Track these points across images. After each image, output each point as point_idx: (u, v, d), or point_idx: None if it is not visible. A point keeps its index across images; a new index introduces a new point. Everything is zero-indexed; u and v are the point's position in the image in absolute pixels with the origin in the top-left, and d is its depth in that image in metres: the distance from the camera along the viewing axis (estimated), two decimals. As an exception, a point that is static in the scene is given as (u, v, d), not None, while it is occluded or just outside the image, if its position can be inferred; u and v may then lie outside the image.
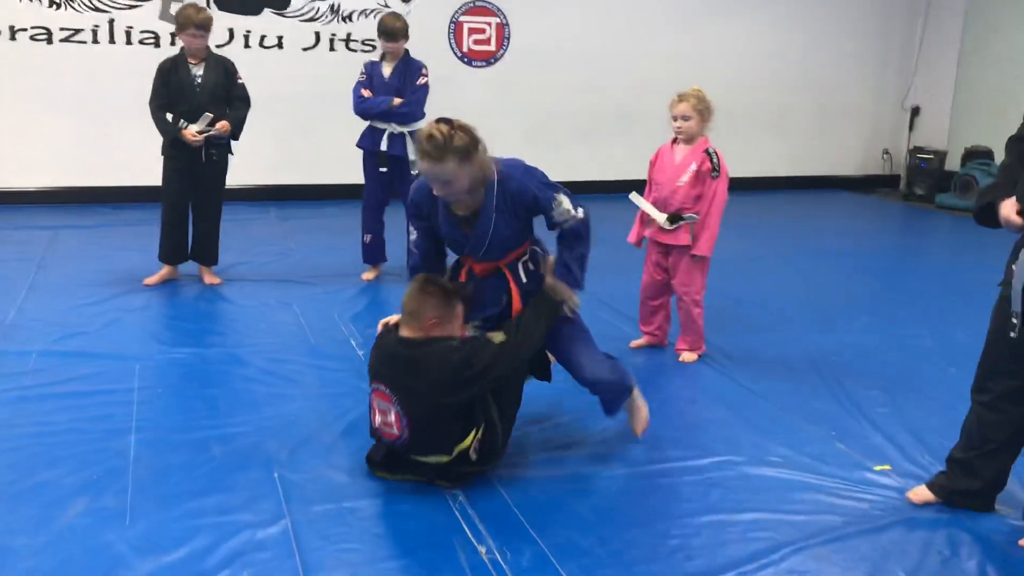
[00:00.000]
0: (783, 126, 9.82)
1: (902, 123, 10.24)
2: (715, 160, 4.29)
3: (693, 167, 4.29)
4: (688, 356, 4.43)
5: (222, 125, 5.16)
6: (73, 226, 6.87)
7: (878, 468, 3.36)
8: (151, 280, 5.39)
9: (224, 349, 4.38)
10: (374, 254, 5.78)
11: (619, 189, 8.80)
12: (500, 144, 9.30)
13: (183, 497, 2.96)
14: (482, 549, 2.72)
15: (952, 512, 3.03)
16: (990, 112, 9.42)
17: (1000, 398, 2.87)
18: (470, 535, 2.80)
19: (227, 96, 5.26)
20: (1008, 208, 2.73)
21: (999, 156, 9.10)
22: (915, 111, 10.12)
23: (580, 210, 3.20)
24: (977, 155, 9.31)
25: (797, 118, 9.87)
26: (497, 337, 3.02)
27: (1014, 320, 2.68)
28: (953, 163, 9.54)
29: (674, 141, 4.40)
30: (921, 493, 3.11)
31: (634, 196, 4.51)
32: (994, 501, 3.05)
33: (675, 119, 4.26)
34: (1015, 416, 2.87)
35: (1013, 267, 2.71)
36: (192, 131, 5.10)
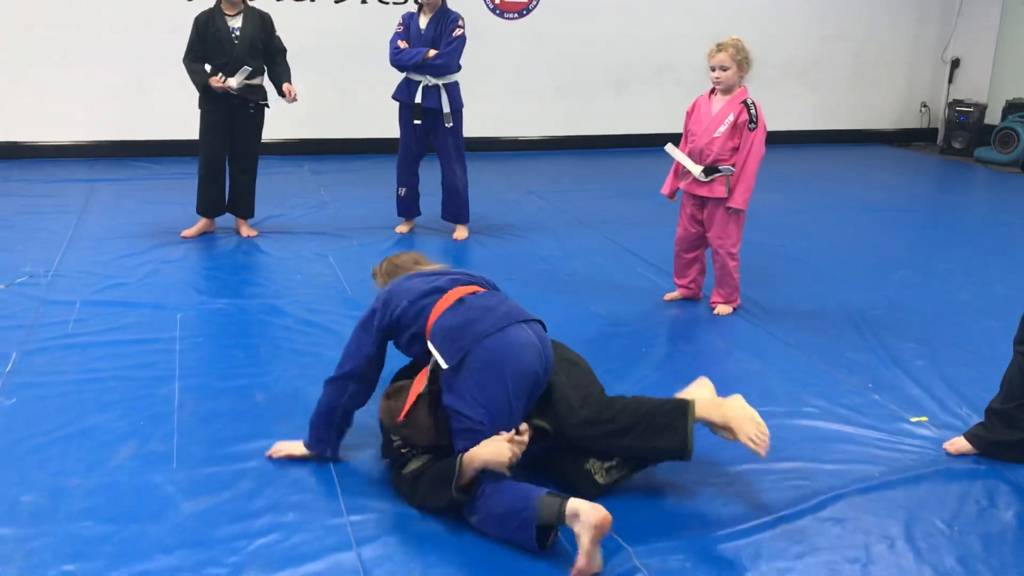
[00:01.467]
0: (817, 78, 9.67)
1: (941, 75, 10.04)
2: (753, 112, 4.25)
3: (730, 118, 4.25)
4: (723, 309, 4.43)
5: (289, 88, 5.22)
6: (111, 179, 6.94)
7: (915, 419, 3.36)
8: (189, 232, 5.46)
9: (262, 300, 4.43)
10: (408, 207, 5.80)
11: (651, 142, 8.79)
12: (532, 97, 9.33)
13: (227, 442, 3.02)
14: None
15: (989, 463, 3.04)
16: (1032, 64, 9.24)
17: (1043, 350, 2.85)
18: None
19: (265, 49, 5.27)
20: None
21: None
22: (955, 63, 9.92)
23: None
24: (1018, 108, 9.13)
25: (832, 70, 9.71)
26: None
27: (1059, 270, 2.65)
28: (993, 116, 9.36)
29: (712, 92, 4.35)
30: (958, 444, 3.12)
31: (669, 147, 4.48)
32: (1032, 453, 3.05)
33: (713, 69, 4.22)
34: (1057, 367, 2.86)
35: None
36: (231, 84, 5.11)
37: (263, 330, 4.06)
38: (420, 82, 5.43)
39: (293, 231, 5.69)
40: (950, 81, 9.98)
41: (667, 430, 2.68)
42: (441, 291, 2.86)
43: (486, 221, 6.01)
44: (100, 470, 2.82)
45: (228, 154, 5.41)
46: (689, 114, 4.46)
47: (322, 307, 4.34)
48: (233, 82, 5.13)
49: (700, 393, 2.84)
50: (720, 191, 4.32)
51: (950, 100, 9.79)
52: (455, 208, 5.73)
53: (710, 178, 4.32)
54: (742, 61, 4.18)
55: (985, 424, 3.09)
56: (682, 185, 4.47)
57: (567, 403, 2.77)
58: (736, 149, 4.27)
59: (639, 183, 7.40)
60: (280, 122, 6.64)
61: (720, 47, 4.19)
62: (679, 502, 2.76)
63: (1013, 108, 9.15)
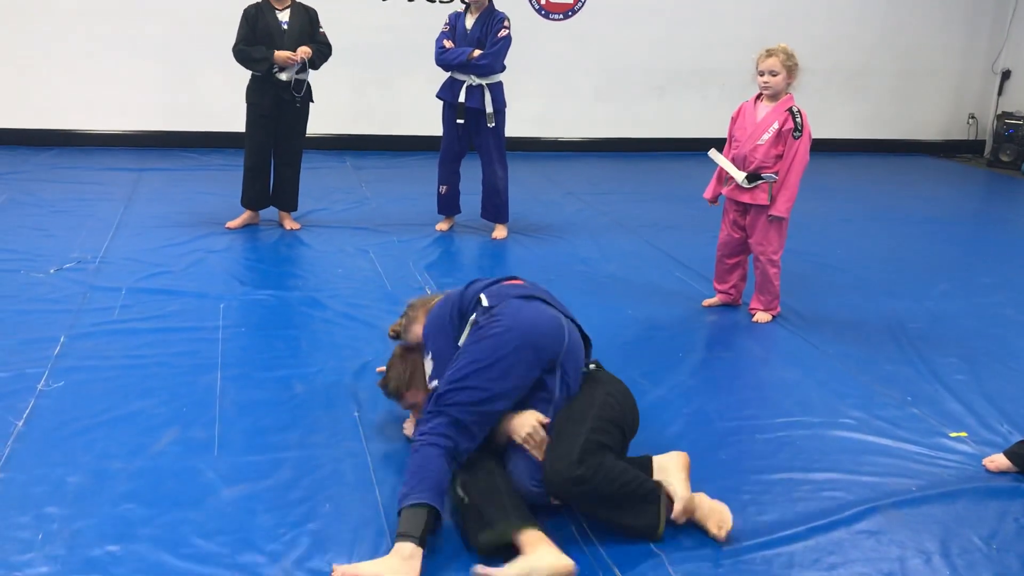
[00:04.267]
0: (864, 87, 9.57)
1: (990, 87, 9.90)
2: (798, 120, 4.23)
3: (775, 126, 4.23)
4: (762, 316, 4.41)
5: (304, 50, 5.21)
6: (157, 169, 7.05)
7: (954, 435, 3.33)
8: (233, 223, 5.53)
9: (304, 292, 4.49)
10: (449, 205, 5.84)
11: (693, 147, 8.77)
12: (574, 99, 9.32)
13: (268, 431, 3.07)
14: (553, 499, 2.77)
15: (1030, 482, 3.01)
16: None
17: (1088, 368, 2.82)
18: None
19: (310, 43, 5.32)
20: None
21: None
22: (1005, 75, 9.77)
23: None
24: (1068, 122, 8.99)
25: (879, 79, 9.61)
26: None
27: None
28: (1043, 130, 9.22)
29: (758, 97, 4.34)
30: (998, 461, 3.08)
31: (713, 153, 4.47)
32: (1074, 472, 3.01)
33: (762, 74, 4.20)
34: (1102, 387, 2.82)
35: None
36: (283, 76, 5.16)
37: (304, 322, 4.11)
38: (464, 82, 5.46)
39: (335, 225, 5.75)
40: (1000, 93, 9.84)
41: (639, 511, 2.59)
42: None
43: (525, 221, 6.03)
44: (143, 454, 2.88)
45: (273, 148, 5.47)
46: (734, 120, 4.44)
47: (362, 302, 4.38)
48: (284, 75, 5.20)
49: (672, 474, 2.69)
50: (762, 198, 4.30)
51: (999, 112, 9.65)
52: (495, 207, 5.76)
53: (753, 185, 4.30)
54: (791, 67, 4.17)
55: (1026, 442, 3.05)
56: (725, 191, 4.46)
57: (568, 445, 2.59)
58: (780, 156, 4.25)
59: (680, 187, 7.38)
60: (324, 117, 6.69)
61: (770, 52, 4.17)
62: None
63: (1063, 122, 9.01)
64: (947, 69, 9.83)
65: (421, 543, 2.36)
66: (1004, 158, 9.35)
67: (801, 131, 4.23)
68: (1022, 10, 9.54)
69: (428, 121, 6.98)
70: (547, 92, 8.49)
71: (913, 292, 4.99)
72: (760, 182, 4.29)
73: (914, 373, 3.87)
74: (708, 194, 4.56)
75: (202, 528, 2.53)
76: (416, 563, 2.34)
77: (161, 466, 2.82)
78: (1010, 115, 9.42)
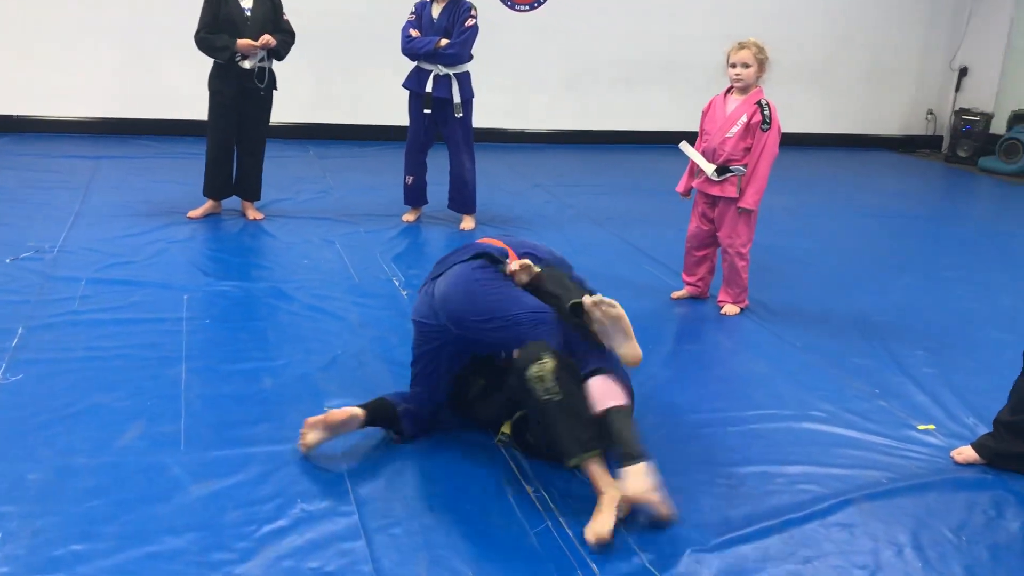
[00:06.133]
0: (826, 82, 9.66)
1: (948, 83, 10.04)
2: (767, 112, 4.24)
3: (744, 119, 4.24)
4: (730, 309, 4.42)
5: (266, 39, 5.10)
6: (116, 156, 6.91)
7: (922, 427, 3.36)
8: (195, 213, 5.43)
9: (269, 283, 4.41)
10: (415, 196, 5.78)
11: (660, 140, 8.79)
12: (541, 90, 9.30)
13: (235, 426, 3.01)
14: (529, 488, 2.75)
15: (996, 473, 3.03)
16: (1041, 75, 9.24)
17: (1055, 362, 2.85)
18: (517, 473, 2.83)
19: (274, 31, 5.23)
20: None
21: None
22: (963, 71, 9.91)
23: None
24: (1022, 118, 9.13)
25: (840, 75, 9.70)
26: None
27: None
28: (999, 126, 9.38)
29: (728, 91, 4.34)
30: (965, 453, 3.11)
31: (684, 146, 4.47)
32: (1040, 464, 3.04)
33: (733, 66, 4.20)
34: (1069, 380, 2.86)
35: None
36: (245, 65, 5.08)
37: (270, 314, 4.04)
38: (431, 71, 5.41)
39: (299, 216, 5.67)
40: (957, 89, 9.98)
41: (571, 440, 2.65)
42: None
43: (492, 213, 6.00)
44: (107, 450, 2.80)
45: (236, 136, 5.37)
46: (704, 113, 4.45)
47: (329, 293, 4.32)
48: (247, 63, 5.11)
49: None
50: (731, 191, 4.31)
51: (956, 108, 9.79)
52: (462, 198, 5.71)
53: (722, 178, 4.31)
54: (763, 61, 4.18)
55: (993, 435, 3.08)
56: (695, 183, 4.46)
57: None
58: (749, 149, 4.26)
59: (647, 180, 7.39)
60: (286, 106, 6.60)
61: (742, 45, 4.17)
62: (686, 503, 2.74)
63: (1019, 119, 9.16)
64: (907, 66, 9.95)
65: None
66: (961, 153, 9.49)
67: (770, 124, 4.24)
68: (979, 8, 9.68)
69: (393, 110, 6.92)
70: (513, 83, 8.45)
71: (878, 285, 5.04)
72: (729, 175, 4.30)
73: (881, 366, 3.90)
74: (680, 187, 4.55)
75: (170, 525, 2.46)
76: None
77: (126, 462, 2.74)
78: (967, 111, 9.56)
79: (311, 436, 2.85)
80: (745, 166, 4.27)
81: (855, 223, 6.55)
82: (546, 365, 2.64)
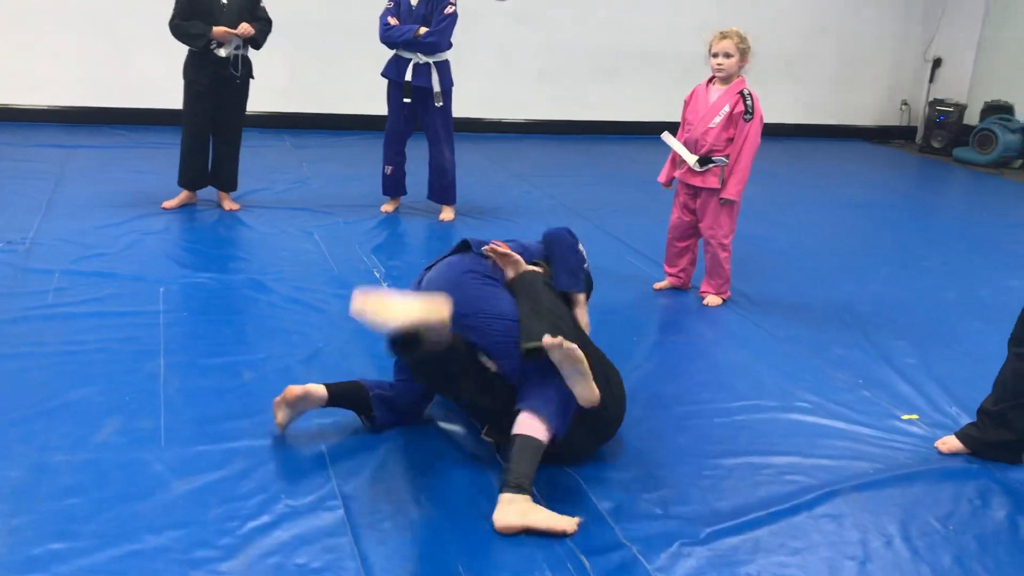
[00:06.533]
0: (801, 73, 9.68)
1: (922, 74, 10.10)
2: (749, 102, 4.23)
3: (726, 109, 4.23)
4: (713, 300, 4.41)
5: (244, 28, 5.02)
6: (88, 146, 6.78)
7: (906, 417, 3.37)
8: (170, 204, 5.34)
9: (247, 275, 4.35)
10: (394, 186, 5.72)
11: (637, 130, 8.78)
12: (518, 80, 9.23)
13: (216, 420, 2.95)
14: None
15: (981, 463, 3.04)
16: (1013, 67, 9.31)
17: (1040, 352, 2.86)
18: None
19: (251, 18, 5.15)
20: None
21: (1020, 111, 9.05)
22: (937, 63, 9.97)
23: None
24: (997, 109, 9.22)
25: (815, 65, 9.73)
26: None
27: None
28: (972, 117, 9.44)
29: (710, 80, 4.32)
30: (950, 443, 3.12)
31: (666, 136, 4.45)
32: (1022, 453, 3.05)
33: (715, 56, 4.18)
34: (1054, 370, 2.87)
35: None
36: (221, 53, 5.00)
37: (249, 306, 3.98)
38: (410, 60, 5.35)
39: (276, 206, 5.59)
40: (931, 80, 10.04)
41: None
42: None
43: (472, 203, 5.95)
44: (85, 446, 2.74)
45: (212, 125, 5.29)
46: (687, 103, 4.43)
47: (308, 285, 4.26)
48: (223, 52, 5.02)
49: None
50: (713, 181, 4.30)
51: (931, 99, 9.85)
52: (442, 189, 5.66)
53: (704, 168, 4.29)
54: (744, 50, 4.16)
55: (977, 424, 3.09)
56: (677, 174, 4.44)
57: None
58: (731, 140, 4.25)
59: (626, 171, 7.37)
60: (261, 95, 6.52)
61: (724, 35, 4.16)
62: (675, 495, 2.73)
63: (992, 110, 9.23)
64: (881, 56, 10.00)
65: None
66: (935, 144, 9.55)
67: (752, 114, 4.23)
68: (954, 0, 9.73)
69: (371, 100, 6.84)
70: (491, 72, 8.39)
71: (858, 276, 5.06)
72: (711, 165, 4.28)
73: (864, 356, 3.91)
74: (662, 178, 4.53)
75: (151, 523, 2.41)
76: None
77: (105, 458, 2.69)
78: (941, 102, 9.62)
79: (279, 415, 2.87)
80: (727, 156, 4.25)
81: (832, 214, 6.57)
82: None
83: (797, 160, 8.61)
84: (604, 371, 2.90)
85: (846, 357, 3.88)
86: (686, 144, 4.35)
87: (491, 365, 2.80)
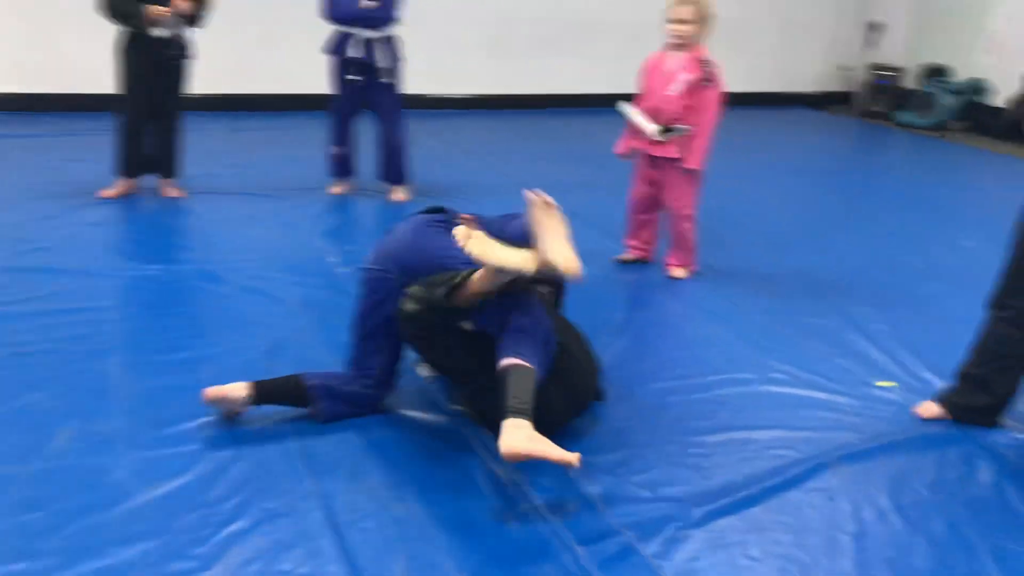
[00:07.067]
0: (741, 40, 9.64)
1: (861, 39, 10.15)
2: (710, 70, 4.16)
3: (685, 76, 4.15)
4: (678, 272, 4.35)
5: (178, 5, 4.75)
6: (15, 135, 6.46)
7: (882, 384, 3.35)
8: (108, 193, 5.10)
9: (197, 265, 4.16)
10: (342, 167, 5.55)
11: (583, 103, 8.67)
12: (460, 54, 9.03)
13: (178, 421, 2.79)
14: (499, 471, 2.63)
15: (961, 427, 3.03)
16: (948, 30, 9.41)
17: (1022, 315, 2.84)
18: (483, 455, 2.70)
19: (187, -4, 4.91)
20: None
21: (957, 73, 9.16)
22: (875, 27, 10.03)
23: None
24: (934, 73, 9.32)
25: (755, 33, 9.71)
26: None
27: (1048, 236, 2.63)
28: (910, 81, 9.54)
29: (669, 48, 4.24)
30: (929, 408, 3.11)
31: (624, 106, 4.36)
32: (1001, 417, 3.05)
33: (673, 22, 4.09)
34: (1035, 332, 2.86)
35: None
36: (159, 12, 4.74)
37: (203, 299, 3.80)
38: (357, 35, 5.17)
39: (220, 192, 5.38)
40: (870, 45, 10.10)
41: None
42: None
43: (424, 182, 5.79)
44: (40, 455, 2.57)
45: (151, 110, 5.04)
46: (644, 72, 4.34)
47: (263, 274, 4.09)
48: (159, 32, 4.79)
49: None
50: (674, 152, 4.22)
51: (870, 64, 9.92)
52: (394, 168, 5.50)
53: (665, 138, 4.21)
54: (704, 18, 4.08)
55: (957, 389, 3.08)
56: (637, 145, 4.36)
57: None
58: (692, 108, 4.18)
59: (579, 144, 7.27)
60: (196, 76, 6.27)
61: (682, 1, 4.07)
62: (663, 476, 2.66)
63: (929, 73, 9.33)
64: (821, 23, 10.03)
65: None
66: (876, 108, 9.62)
67: (713, 81, 4.16)
68: (890, -37, 9.80)
69: (311, 78, 6.62)
70: (432, 47, 8.17)
71: (816, 242, 5.05)
72: (672, 135, 4.20)
73: (834, 324, 3.88)
74: (621, 148, 4.44)
75: (118, 535, 2.26)
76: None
77: (63, 467, 2.52)
78: (881, 67, 9.69)
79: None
80: (689, 126, 4.18)
81: (782, 181, 6.57)
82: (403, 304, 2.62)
83: (741, 128, 8.56)
84: (568, 330, 2.87)
85: (816, 325, 3.86)
86: (645, 113, 4.26)
87: (467, 325, 2.69)
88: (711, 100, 4.16)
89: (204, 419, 2.80)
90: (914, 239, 5.24)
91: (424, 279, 2.63)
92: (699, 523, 2.45)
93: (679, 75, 4.16)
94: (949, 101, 8.93)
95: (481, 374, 2.68)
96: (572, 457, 2.36)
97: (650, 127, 4.22)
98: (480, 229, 2.77)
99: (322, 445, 2.72)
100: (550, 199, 2.56)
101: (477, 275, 2.54)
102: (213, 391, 2.74)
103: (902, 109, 9.34)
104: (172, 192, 5.20)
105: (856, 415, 3.10)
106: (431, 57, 8.18)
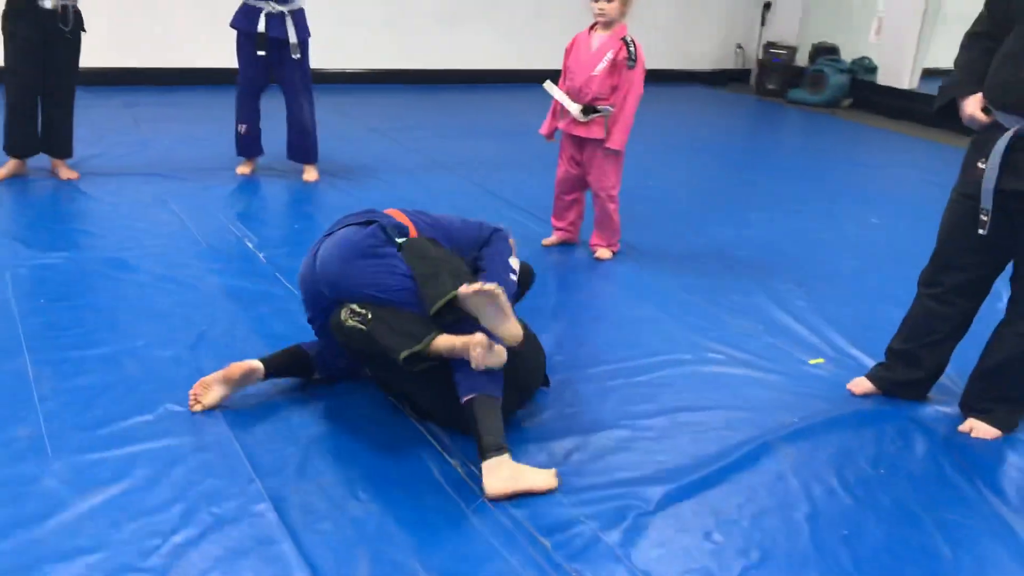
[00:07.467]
0: (638, 19, 9.66)
1: (754, 18, 10.38)
2: (632, 49, 4.14)
3: (609, 56, 4.13)
4: (604, 253, 4.35)
5: None
6: None
7: (813, 361, 3.42)
8: (-4, 175, 4.76)
9: (105, 253, 3.92)
10: (250, 146, 5.33)
11: (484, 79, 8.58)
12: (359, 28, 8.79)
13: (107, 422, 2.63)
14: (455, 462, 2.57)
15: (893, 402, 3.12)
16: (836, 9, 9.71)
17: (951, 291, 2.94)
18: (438, 448, 2.64)
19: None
20: (972, 105, 2.74)
21: (845, 52, 9.48)
22: (767, 6, 10.26)
23: None
24: (825, 51, 9.61)
25: (653, 11, 9.78)
26: None
27: (983, 217, 2.72)
28: (802, 59, 9.81)
29: (592, 27, 4.20)
30: (861, 384, 3.19)
31: (548, 85, 4.31)
32: (929, 391, 3.16)
33: (597, 1, 4.05)
34: (964, 308, 2.96)
35: (980, 165, 2.72)
36: (46, 4, 4.44)
37: (115, 288, 3.58)
38: (262, 9, 4.95)
39: (119, 173, 5.09)
40: (763, 24, 10.33)
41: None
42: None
43: (333, 161, 5.63)
44: (-42, 466, 2.37)
45: (41, 85, 4.72)
46: (568, 51, 4.30)
47: (177, 260, 3.89)
48: (48, 3, 4.47)
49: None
50: (598, 132, 4.20)
51: (764, 42, 10.15)
52: (303, 147, 5.32)
53: (589, 118, 4.19)
54: (629, -4, 4.06)
55: (887, 365, 3.17)
56: (561, 125, 4.32)
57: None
58: (616, 88, 4.16)
59: (483, 122, 7.19)
60: (84, 49, 5.91)
61: (605, -20, 4.04)
62: (617, 462, 2.64)
63: (820, 52, 9.62)
64: (717, 1, 10.19)
65: None
66: (771, 86, 9.86)
67: (635, 61, 4.15)
68: (782, -57, 10.02)
69: (209, 52, 6.37)
70: (330, 20, 7.92)
71: (731, 220, 5.13)
72: (596, 115, 4.18)
73: (758, 302, 3.95)
74: (544, 130, 4.40)
75: (56, 550, 2.10)
76: None
77: (-15, 479, 2.33)
78: (774, 45, 9.93)
79: (211, 396, 2.72)
80: (612, 105, 4.17)
81: (689, 159, 6.66)
82: (340, 311, 2.60)
83: (641, 107, 8.65)
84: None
85: (742, 304, 3.91)
86: (569, 93, 4.22)
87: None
88: (634, 80, 4.15)
89: (137, 419, 2.65)
90: (822, 215, 5.38)
91: (377, 311, 2.58)
92: (658, 508, 2.44)
93: (602, 54, 4.13)
94: (840, 79, 9.22)
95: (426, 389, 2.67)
96: (553, 481, 2.44)
97: (573, 107, 4.19)
98: (422, 240, 2.72)
99: (263, 444, 2.60)
100: (487, 286, 2.48)
101: (442, 345, 2.51)
102: (241, 366, 2.74)
103: (795, 87, 9.59)
104: (66, 173, 4.90)
105: (792, 393, 3.16)
106: (328, 32, 7.93)
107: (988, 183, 2.68)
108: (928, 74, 9.03)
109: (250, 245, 4.15)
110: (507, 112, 7.42)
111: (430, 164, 5.82)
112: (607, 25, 4.15)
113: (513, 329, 2.55)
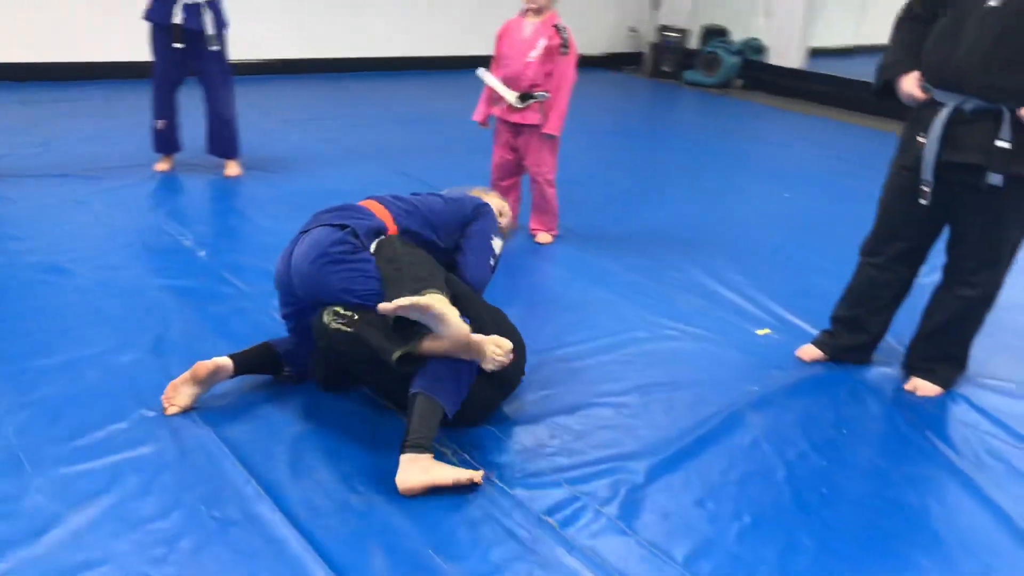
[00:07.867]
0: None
1: (648, 2, 10.59)
2: (564, 36, 4.21)
3: (543, 42, 4.19)
4: (544, 237, 4.42)
5: None
6: None
7: (760, 332, 3.57)
8: (-101, 180, 4.49)
9: (35, 257, 3.75)
10: (167, 142, 5.16)
11: (389, 66, 8.51)
12: (257, 16, 8.59)
13: (82, 432, 2.54)
14: (447, 451, 2.59)
15: (840, 366, 3.31)
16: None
17: (893, 260, 3.12)
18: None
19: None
20: (910, 83, 2.91)
21: (735, 34, 9.79)
22: (659, -11, 10.50)
23: None
24: (714, 33, 9.90)
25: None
26: None
27: (925, 188, 2.90)
28: (693, 42, 10.08)
29: (523, 14, 4.25)
30: (809, 351, 3.36)
31: (482, 72, 4.34)
32: (872, 354, 3.35)
33: (528, -13, 4.11)
34: (904, 275, 3.15)
35: (920, 139, 2.90)
36: None
37: (56, 295, 3.43)
38: (177, 0, 4.80)
39: (30, 174, 4.86)
40: (655, 8, 10.56)
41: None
42: None
43: (252, 155, 5.48)
44: (-66, 489, 2.26)
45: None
46: (500, 37, 4.33)
47: (115, 262, 3.76)
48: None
49: None
50: (535, 118, 4.26)
51: (657, 25, 10.37)
52: (224, 141, 5.18)
53: (525, 104, 4.24)
54: (564, -17, 4.11)
55: (832, 332, 3.34)
56: (496, 112, 4.35)
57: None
58: (550, 74, 4.22)
59: (403, 110, 7.14)
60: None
61: (537, -33, 4.09)
62: (602, 439, 2.72)
63: (710, 34, 9.90)
64: (608, -15, 10.37)
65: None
66: (666, 68, 10.10)
67: (568, 47, 4.22)
68: (670, -72, 10.26)
69: (111, 44, 6.12)
70: (234, 7, 7.73)
71: (655, 200, 5.27)
72: (532, 101, 4.24)
73: (698, 278, 4.09)
74: (478, 116, 4.43)
75: (60, 566, 2.04)
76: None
77: (-33, 500, 2.23)
78: (668, 28, 10.17)
79: (182, 398, 2.68)
80: (547, 92, 4.23)
81: (600, 142, 6.76)
82: (323, 315, 2.58)
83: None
84: (493, 317, 2.84)
85: (684, 280, 4.05)
86: (504, 81, 4.26)
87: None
88: (568, 66, 4.22)
89: (112, 427, 2.57)
90: (737, 192, 5.59)
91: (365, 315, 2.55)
92: (648, 482, 2.53)
93: (535, 41, 4.18)
94: (732, 60, 9.52)
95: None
96: (475, 475, 2.41)
97: (510, 94, 4.23)
98: (393, 241, 2.70)
99: (249, 444, 2.56)
100: (403, 302, 2.40)
101: (430, 345, 2.49)
102: (207, 364, 2.69)
103: (689, 69, 9.86)
104: (-25, 177, 4.65)
105: (748, 363, 3.30)
106: (237, 19, 7.74)
107: (929, 156, 2.86)
108: (816, 54, 9.43)
109: (187, 243, 4.04)
110: (414, 99, 7.39)
111: (348, 154, 5.76)
112: (538, 12, 4.20)
113: (455, 330, 2.47)
